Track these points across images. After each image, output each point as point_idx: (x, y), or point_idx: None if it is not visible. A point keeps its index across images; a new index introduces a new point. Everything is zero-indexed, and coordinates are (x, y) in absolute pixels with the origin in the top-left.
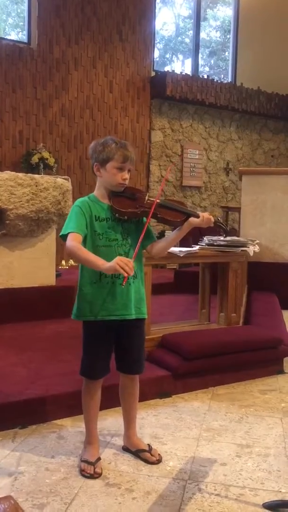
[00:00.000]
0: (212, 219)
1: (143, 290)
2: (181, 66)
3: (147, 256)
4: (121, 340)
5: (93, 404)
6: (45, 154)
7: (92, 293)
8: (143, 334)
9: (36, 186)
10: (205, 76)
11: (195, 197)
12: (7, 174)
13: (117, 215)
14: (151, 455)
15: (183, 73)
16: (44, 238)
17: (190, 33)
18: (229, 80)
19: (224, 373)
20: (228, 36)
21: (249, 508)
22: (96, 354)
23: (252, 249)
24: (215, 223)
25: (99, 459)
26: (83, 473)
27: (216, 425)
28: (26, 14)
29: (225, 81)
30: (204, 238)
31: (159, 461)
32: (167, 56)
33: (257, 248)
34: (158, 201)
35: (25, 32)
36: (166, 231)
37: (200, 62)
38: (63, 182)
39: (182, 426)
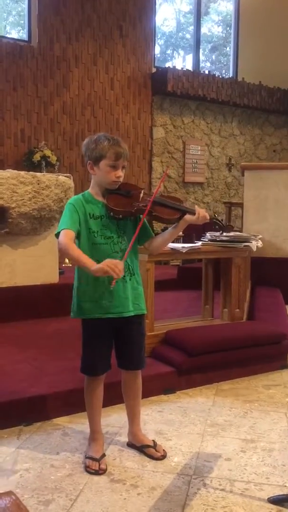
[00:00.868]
0: (208, 216)
1: (141, 287)
2: (182, 62)
3: (150, 253)
4: (121, 337)
5: (95, 401)
6: (47, 152)
7: (88, 291)
8: (143, 329)
9: (38, 184)
10: (207, 72)
11: (198, 193)
12: (9, 172)
13: (111, 213)
14: (156, 450)
15: (184, 69)
16: (47, 236)
17: (191, 28)
18: (231, 75)
19: (228, 369)
20: (229, 31)
21: (254, 502)
22: (95, 351)
23: (255, 244)
24: (211, 219)
25: (103, 455)
26: (88, 470)
27: (220, 420)
28: (26, 12)
29: (227, 76)
30: (207, 234)
31: (163, 456)
32: (168, 52)
33: (260, 243)
34: (153, 200)
35: (26, 30)
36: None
37: (201, 57)
38: (65, 179)
39: (186, 422)
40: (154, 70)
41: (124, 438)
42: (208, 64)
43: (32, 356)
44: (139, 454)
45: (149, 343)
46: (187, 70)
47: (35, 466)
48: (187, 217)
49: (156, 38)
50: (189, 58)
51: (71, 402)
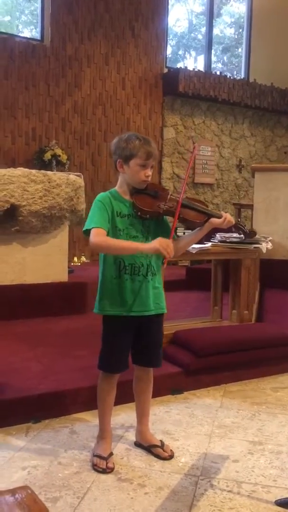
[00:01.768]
0: (233, 221)
1: (161, 286)
2: (193, 62)
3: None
4: (140, 335)
5: (108, 399)
6: (58, 151)
7: (112, 289)
8: (162, 328)
9: (49, 182)
10: (218, 73)
11: (207, 194)
12: (20, 170)
13: (139, 213)
14: (163, 450)
15: (196, 70)
16: (57, 234)
17: (203, 29)
18: (242, 76)
19: (236, 370)
20: (241, 32)
21: (261, 505)
22: (114, 348)
23: (265, 246)
24: (236, 224)
25: (111, 454)
26: (95, 468)
27: (228, 422)
28: (39, 11)
29: (238, 78)
30: (217, 235)
31: (171, 456)
32: (180, 52)
33: (270, 245)
34: (181, 201)
35: (38, 29)
36: None
37: (213, 58)
38: (76, 178)
39: (194, 423)
40: (165, 70)
41: (132, 437)
42: (219, 65)
43: (41, 354)
44: (146, 453)
45: None
46: (199, 70)
47: (43, 464)
48: (213, 220)
49: (168, 38)
50: (201, 59)
51: (80, 400)
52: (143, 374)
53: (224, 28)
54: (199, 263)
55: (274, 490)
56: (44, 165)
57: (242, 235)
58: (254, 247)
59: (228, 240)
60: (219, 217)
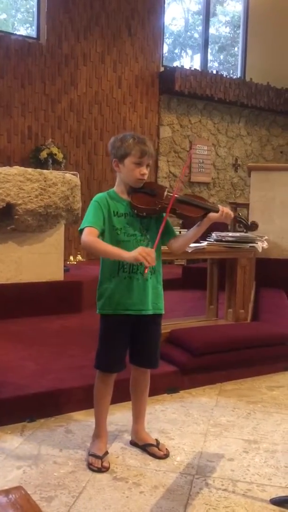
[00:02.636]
0: (232, 214)
1: (161, 286)
2: (190, 61)
3: (172, 252)
4: (138, 335)
5: (105, 398)
6: (54, 150)
7: (110, 288)
8: (160, 329)
9: (44, 181)
10: (214, 72)
11: (204, 193)
12: (16, 169)
13: (135, 211)
14: (159, 449)
15: (192, 69)
16: (53, 233)
17: (199, 28)
18: (238, 75)
19: (232, 369)
20: (237, 31)
21: (256, 503)
22: (112, 347)
23: (260, 245)
24: (235, 218)
25: (106, 453)
26: (90, 467)
27: (223, 421)
28: (35, 9)
29: (234, 77)
30: (213, 234)
31: (166, 455)
32: (176, 51)
33: (265, 244)
34: (176, 196)
35: (34, 28)
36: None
37: (209, 57)
38: (72, 177)
39: (189, 421)
40: (162, 69)
41: (128, 437)
42: (216, 64)
43: (36, 353)
44: (142, 452)
45: None
46: (195, 69)
47: (38, 463)
48: (211, 215)
49: (164, 37)
50: (197, 58)
51: (75, 399)
52: (140, 375)
53: (219, 27)
54: (195, 262)
55: (269, 489)
56: (40, 164)
57: (243, 229)
58: (250, 246)
59: (224, 239)
60: (216, 210)
